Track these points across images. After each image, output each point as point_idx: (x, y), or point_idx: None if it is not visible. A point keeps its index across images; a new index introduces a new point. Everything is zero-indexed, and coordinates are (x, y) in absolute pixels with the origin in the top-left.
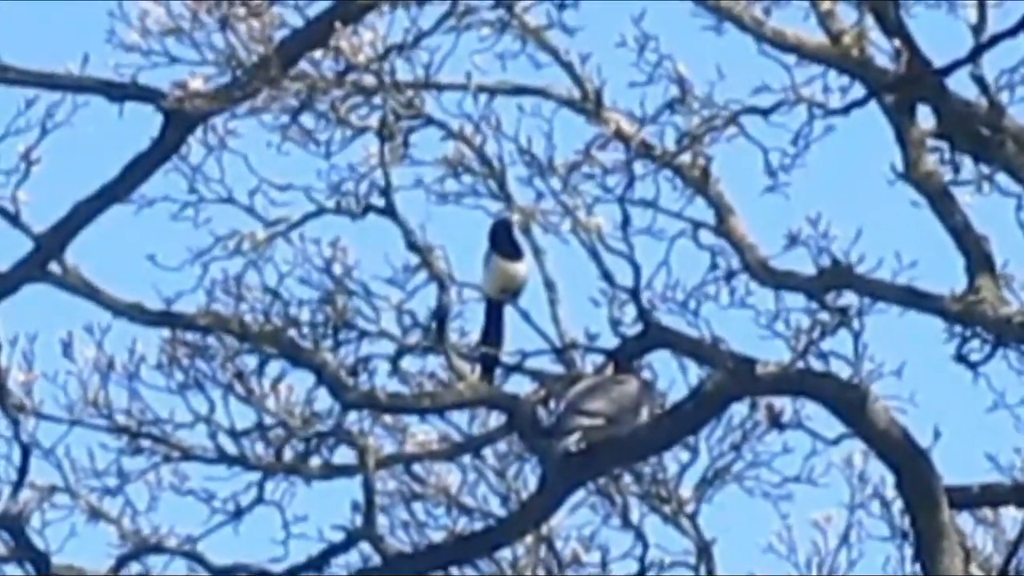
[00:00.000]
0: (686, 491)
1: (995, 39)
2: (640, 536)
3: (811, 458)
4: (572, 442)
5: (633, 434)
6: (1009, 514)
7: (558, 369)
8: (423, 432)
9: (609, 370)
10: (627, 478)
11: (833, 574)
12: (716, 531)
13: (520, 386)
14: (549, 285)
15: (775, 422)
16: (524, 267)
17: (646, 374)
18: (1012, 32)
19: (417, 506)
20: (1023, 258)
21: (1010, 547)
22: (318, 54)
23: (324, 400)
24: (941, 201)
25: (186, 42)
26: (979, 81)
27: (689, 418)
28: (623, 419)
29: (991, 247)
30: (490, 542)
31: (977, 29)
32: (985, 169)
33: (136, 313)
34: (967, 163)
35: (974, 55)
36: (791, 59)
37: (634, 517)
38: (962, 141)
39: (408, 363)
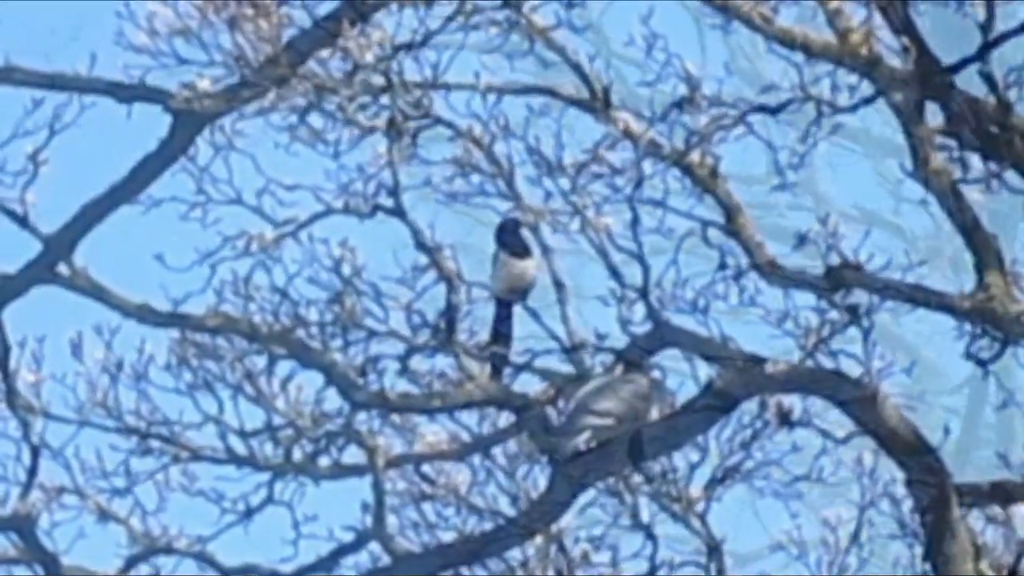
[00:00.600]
0: (696, 490)
1: (1003, 36)
2: (650, 536)
3: (821, 457)
4: (582, 441)
5: (643, 433)
6: (1020, 512)
7: (567, 369)
8: (432, 432)
9: (619, 369)
10: (637, 477)
11: (843, 573)
12: (726, 530)
13: (529, 386)
14: (558, 284)
15: (785, 420)
16: (532, 266)
17: (655, 373)
18: (1021, 29)
19: (427, 506)
20: None
21: (1021, 545)
22: (326, 54)
23: (333, 400)
24: (950, 199)
25: (194, 43)
26: (987, 79)
27: (699, 417)
28: (633, 418)
29: (1000, 244)
30: (500, 542)
31: (985, 27)
32: (994, 167)
33: (145, 314)
34: (975, 161)
35: (982, 53)
36: (799, 58)
37: (644, 517)
38: (970, 139)
39: (417, 363)
